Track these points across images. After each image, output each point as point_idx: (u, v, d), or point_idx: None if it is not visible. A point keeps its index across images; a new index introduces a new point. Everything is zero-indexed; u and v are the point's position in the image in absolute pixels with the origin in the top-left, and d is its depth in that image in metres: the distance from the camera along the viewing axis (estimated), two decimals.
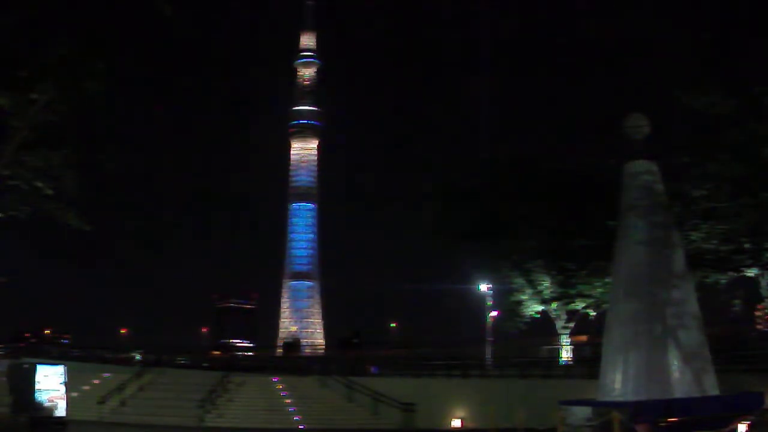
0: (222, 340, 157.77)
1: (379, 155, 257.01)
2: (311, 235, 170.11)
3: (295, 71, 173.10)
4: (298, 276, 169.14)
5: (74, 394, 26.11)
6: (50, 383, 23.14)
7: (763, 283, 28.76)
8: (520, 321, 36.74)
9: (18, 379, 23.18)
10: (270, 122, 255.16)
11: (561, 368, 34.59)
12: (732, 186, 26.23)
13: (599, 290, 32.72)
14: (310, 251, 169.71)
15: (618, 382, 16.77)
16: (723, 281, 29.46)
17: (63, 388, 23.40)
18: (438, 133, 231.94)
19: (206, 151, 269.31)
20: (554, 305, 35.59)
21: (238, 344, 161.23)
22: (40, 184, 19.99)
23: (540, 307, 36.16)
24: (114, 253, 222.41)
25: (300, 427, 28.73)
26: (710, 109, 25.20)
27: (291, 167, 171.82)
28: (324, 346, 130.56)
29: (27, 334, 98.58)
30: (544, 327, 37.76)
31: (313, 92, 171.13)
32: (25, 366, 24.63)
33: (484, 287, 40.84)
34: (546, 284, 35.24)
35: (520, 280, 36.04)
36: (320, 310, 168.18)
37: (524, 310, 36.48)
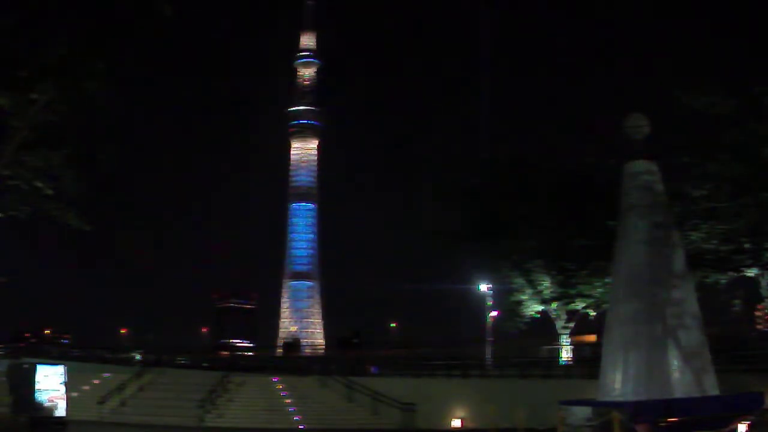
0: (222, 340, 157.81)
1: (379, 155, 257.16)
2: (311, 235, 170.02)
3: (295, 71, 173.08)
4: (298, 276, 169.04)
5: (74, 394, 26.10)
6: (50, 383, 23.16)
7: (763, 283, 28.78)
8: (520, 321, 36.74)
9: (18, 379, 23.17)
10: (270, 122, 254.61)
11: (561, 368, 34.60)
12: (732, 186, 26.25)
13: (599, 290, 32.73)
14: (310, 251, 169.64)
15: (618, 382, 16.75)
16: (723, 281, 29.49)
17: (63, 388, 23.40)
18: (438, 133, 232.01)
19: (206, 151, 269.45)
20: (554, 305, 35.59)
21: (238, 344, 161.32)
22: (40, 184, 19.97)
23: (540, 307, 36.16)
24: (114, 253, 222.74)
25: (300, 427, 28.74)
26: (710, 109, 25.22)
27: (291, 167, 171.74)
28: (324, 346, 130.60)
29: (27, 334, 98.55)
30: (544, 327, 37.79)
31: (313, 92, 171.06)
32: (25, 366, 24.63)
33: (484, 287, 40.83)
34: (546, 284, 35.24)
35: (520, 280, 36.04)
36: (320, 310, 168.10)
37: (524, 310, 36.48)
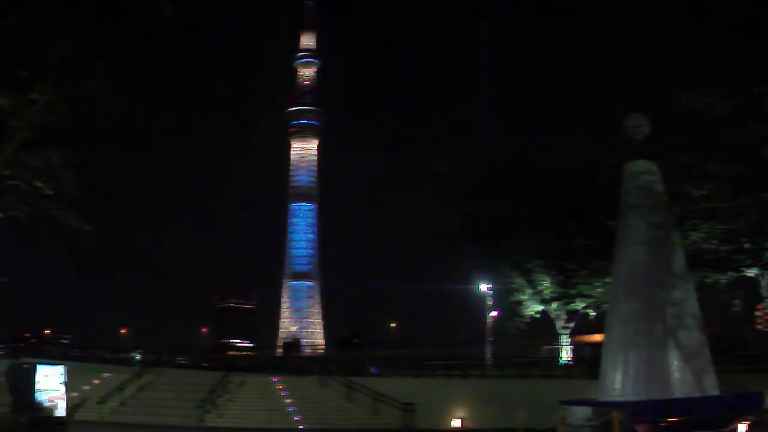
0: (222, 340, 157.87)
1: (379, 155, 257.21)
2: (311, 235, 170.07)
3: (295, 71, 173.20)
4: (298, 276, 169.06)
5: (74, 394, 26.09)
6: (50, 383, 23.11)
7: (763, 283, 28.79)
8: (520, 321, 36.71)
9: (18, 379, 23.14)
10: (270, 122, 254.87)
11: (561, 368, 34.61)
12: (732, 186, 26.23)
13: (599, 290, 32.72)
14: (310, 251, 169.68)
15: (618, 382, 16.76)
16: (723, 281, 29.46)
17: (63, 388, 23.38)
18: (438, 133, 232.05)
19: (206, 151, 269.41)
20: (554, 305, 35.58)
21: (238, 344, 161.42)
22: (40, 184, 19.94)
23: (540, 307, 36.14)
24: (114, 254, 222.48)
25: (300, 427, 28.74)
26: (710, 109, 25.19)
27: (291, 167, 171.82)
28: (324, 346, 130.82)
29: (27, 334, 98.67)
30: (544, 327, 37.78)
31: (313, 92, 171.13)
32: (25, 366, 24.58)
33: (484, 287, 40.85)
34: (546, 284, 35.24)
35: (520, 280, 36.03)
36: (320, 310, 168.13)
37: (524, 310, 36.46)
